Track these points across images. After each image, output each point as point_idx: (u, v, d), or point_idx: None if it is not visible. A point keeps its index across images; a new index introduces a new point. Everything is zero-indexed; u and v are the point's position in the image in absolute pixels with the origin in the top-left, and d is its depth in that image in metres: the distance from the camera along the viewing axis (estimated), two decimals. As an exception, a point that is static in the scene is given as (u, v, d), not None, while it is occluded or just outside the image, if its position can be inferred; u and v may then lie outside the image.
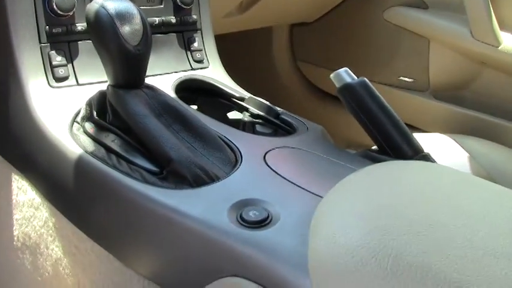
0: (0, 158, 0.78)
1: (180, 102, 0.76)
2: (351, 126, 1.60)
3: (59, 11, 0.78)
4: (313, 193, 0.60)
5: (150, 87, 0.71)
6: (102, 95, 0.73)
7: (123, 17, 0.67)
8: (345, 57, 1.58)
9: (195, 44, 0.92)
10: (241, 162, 0.66)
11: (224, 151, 0.68)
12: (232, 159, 0.67)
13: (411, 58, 1.47)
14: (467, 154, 1.01)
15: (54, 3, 0.78)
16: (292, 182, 0.63)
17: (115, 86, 0.70)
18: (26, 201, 0.74)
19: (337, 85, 0.77)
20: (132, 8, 0.69)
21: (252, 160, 0.67)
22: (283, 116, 0.83)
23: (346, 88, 0.76)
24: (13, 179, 0.76)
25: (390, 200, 0.46)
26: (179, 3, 0.90)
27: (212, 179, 0.63)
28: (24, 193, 0.74)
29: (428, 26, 1.42)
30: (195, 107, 0.87)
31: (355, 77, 0.77)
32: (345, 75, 0.77)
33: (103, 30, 0.66)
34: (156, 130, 0.65)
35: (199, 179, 0.62)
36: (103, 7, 0.67)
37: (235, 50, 1.69)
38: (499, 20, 1.29)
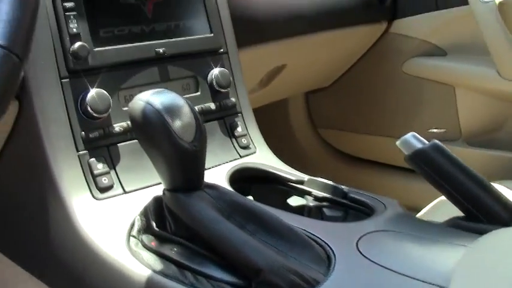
0: (44, 288, 0.69)
1: (249, 198, 0.68)
2: (385, 187, 1.55)
3: (94, 114, 0.70)
4: (427, 282, 0.52)
5: (212, 186, 0.63)
6: (158, 202, 0.64)
7: (172, 110, 0.60)
8: (367, 116, 1.52)
9: (239, 129, 0.85)
10: (335, 258, 0.57)
11: (312, 248, 0.59)
12: (324, 256, 0.58)
13: (438, 108, 1.42)
14: None
15: (88, 106, 0.70)
16: (399, 273, 0.54)
17: (172, 189, 0.61)
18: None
19: (406, 152, 0.70)
20: (178, 99, 0.62)
21: (346, 253, 0.58)
22: (351, 195, 0.75)
23: (418, 155, 0.69)
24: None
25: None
26: (216, 88, 0.83)
27: (310, 284, 0.53)
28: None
29: (452, 72, 1.37)
30: (250, 197, 0.79)
31: (425, 141, 0.70)
32: (414, 140, 0.71)
33: (153, 129, 0.59)
34: (234, 236, 0.56)
35: (296, 287, 0.53)
36: (149, 103, 0.59)
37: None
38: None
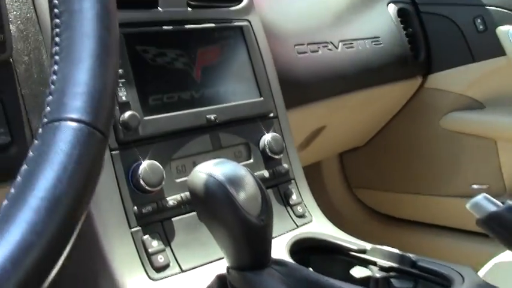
0: None
1: (319, 274, 0.62)
2: (423, 248, 1.48)
3: (146, 187, 0.66)
4: None
5: (280, 262, 0.58)
6: (222, 281, 0.59)
7: (236, 182, 0.55)
8: (405, 175, 1.47)
9: (293, 197, 0.81)
10: None
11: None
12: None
13: (479, 163, 1.37)
14: None
15: (140, 179, 0.66)
16: None
17: (238, 267, 0.56)
18: None
19: (478, 215, 0.64)
20: (240, 169, 0.57)
21: None
22: (421, 263, 0.69)
23: (493, 218, 0.63)
24: None
25: None
26: (269, 154, 0.79)
27: None
28: None
29: (492, 125, 1.33)
30: (310, 269, 0.73)
31: (498, 203, 0.65)
32: (486, 202, 0.65)
33: (217, 202, 0.54)
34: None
35: None
36: (211, 175, 0.55)
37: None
38: None
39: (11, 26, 0.61)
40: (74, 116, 0.36)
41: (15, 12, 0.63)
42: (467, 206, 0.66)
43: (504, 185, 1.35)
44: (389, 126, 1.43)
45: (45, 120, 0.37)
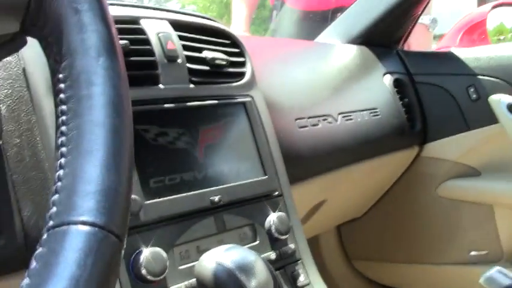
0: None
1: None
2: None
3: (149, 277, 0.61)
4: None
5: None
6: None
7: (246, 269, 0.53)
8: (404, 244, 1.44)
9: (301, 279, 0.76)
10: None
11: None
12: None
13: (477, 229, 1.36)
14: None
15: (142, 268, 0.61)
16: None
17: None
18: None
19: None
20: (250, 255, 0.55)
21: None
22: None
23: (509, 291, 0.61)
24: None
25: None
26: (275, 235, 0.75)
27: None
28: None
29: (489, 192, 1.33)
30: None
31: None
32: (500, 276, 0.63)
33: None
34: None
35: None
36: (220, 264, 0.52)
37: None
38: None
39: (1, 105, 0.57)
40: (86, 218, 0.32)
41: (6, 91, 0.59)
42: (481, 281, 0.63)
43: (502, 251, 1.33)
44: (387, 196, 1.41)
45: (52, 223, 0.32)
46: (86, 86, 0.36)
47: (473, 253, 1.36)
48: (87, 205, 0.32)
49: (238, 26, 2.19)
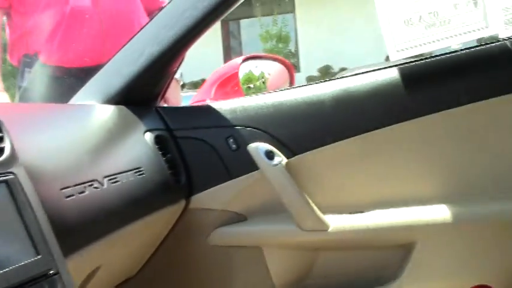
0: None
1: None
2: None
3: None
4: None
5: None
6: None
7: None
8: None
9: None
10: None
11: None
12: None
13: (249, 272, 1.42)
14: None
15: None
16: None
17: None
18: None
19: None
20: None
21: None
22: None
23: None
24: None
25: None
26: None
27: None
28: None
29: (256, 235, 1.40)
30: None
31: None
32: None
33: None
34: None
35: None
36: None
37: None
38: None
39: None
40: None
41: None
42: None
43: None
44: (160, 252, 1.39)
45: None
46: None
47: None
48: None
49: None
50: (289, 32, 14.05)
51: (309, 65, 13.30)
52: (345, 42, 12.29)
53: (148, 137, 1.26)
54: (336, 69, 12.33)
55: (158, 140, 1.28)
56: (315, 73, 13.15)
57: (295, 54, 14.24)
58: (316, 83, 1.45)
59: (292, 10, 14.21)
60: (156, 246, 1.38)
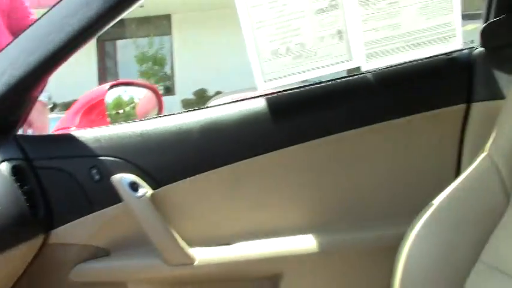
0: None
1: None
2: None
3: None
4: None
5: None
6: None
7: None
8: None
9: None
10: None
11: None
12: None
13: None
14: None
15: None
16: None
17: None
18: None
19: None
20: None
21: None
22: None
23: None
24: None
25: None
26: None
27: None
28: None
29: (120, 271, 1.34)
30: None
31: None
32: None
33: None
34: None
35: None
36: None
37: None
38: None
39: None
40: None
41: None
42: None
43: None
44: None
45: None
46: None
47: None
48: None
49: None
50: (165, 55, 13.98)
51: (184, 88, 13.27)
52: (221, 66, 12.42)
53: (4, 167, 1.17)
54: (211, 92, 12.39)
55: (15, 171, 1.19)
56: (190, 96, 13.15)
57: (171, 77, 14.17)
58: (185, 111, 1.43)
59: (169, 32, 14.16)
60: (10, 286, 1.28)
